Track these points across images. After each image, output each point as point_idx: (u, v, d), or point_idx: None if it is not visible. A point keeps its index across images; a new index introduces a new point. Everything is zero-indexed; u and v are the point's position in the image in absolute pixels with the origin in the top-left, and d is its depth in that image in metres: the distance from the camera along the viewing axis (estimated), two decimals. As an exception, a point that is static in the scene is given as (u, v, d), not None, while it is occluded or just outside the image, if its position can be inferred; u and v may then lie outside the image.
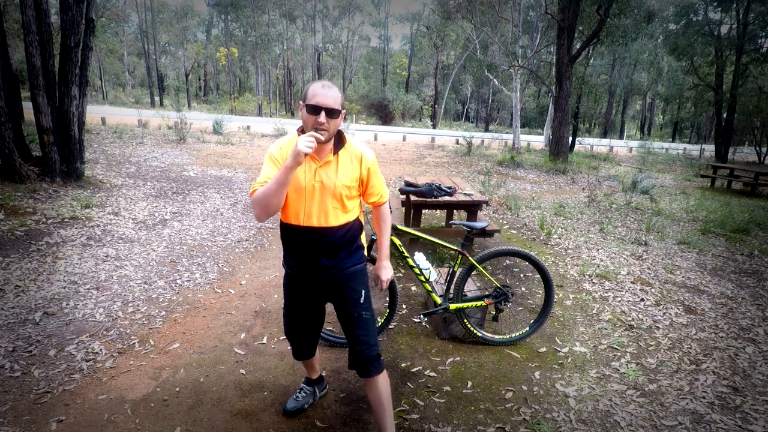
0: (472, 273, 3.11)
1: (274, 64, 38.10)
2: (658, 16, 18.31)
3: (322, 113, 1.64)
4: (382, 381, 1.89)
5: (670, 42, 18.96)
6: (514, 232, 5.96)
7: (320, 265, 1.84)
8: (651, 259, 5.09)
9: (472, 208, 4.60)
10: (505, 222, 6.42)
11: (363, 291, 1.94)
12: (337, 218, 1.80)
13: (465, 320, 2.95)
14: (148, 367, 2.58)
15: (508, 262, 4.67)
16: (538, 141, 23.62)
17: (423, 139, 20.13)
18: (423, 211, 5.83)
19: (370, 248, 2.77)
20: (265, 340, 2.95)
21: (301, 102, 1.71)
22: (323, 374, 2.45)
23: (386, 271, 2.08)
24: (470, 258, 2.86)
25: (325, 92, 1.66)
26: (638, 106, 46.37)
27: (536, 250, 5.20)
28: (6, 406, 2.19)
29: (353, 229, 1.89)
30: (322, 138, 1.64)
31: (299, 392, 2.31)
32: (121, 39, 40.19)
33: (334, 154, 1.78)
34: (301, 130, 1.76)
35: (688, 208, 8.33)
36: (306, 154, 1.56)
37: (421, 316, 3.33)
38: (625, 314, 3.65)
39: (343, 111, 1.74)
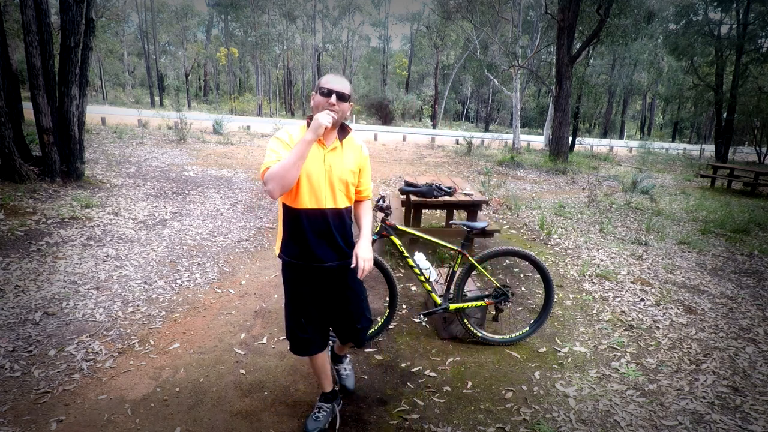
0: (472, 273, 3.11)
1: (274, 64, 38.10)
2: (658, 16, 18.30)
3: (334, 96, 1.80)
4: None
5: (670, 42, 18.96)
6: (514, 232, 5.96)
7: (340, 246, 1.94)
8: (651, 259, 5.09)
9: (472, 208, 4.60)
10: (505, 222, 6.42)
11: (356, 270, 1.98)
12: (344, 201, 1.94)
13: (465, 320, 2.95)
14: (148, 367, 2.58)
15: (508, 262, 4.67)
16: (538, 141, 23.62)
17: (423, 139, 20.14)
18: (423, 211, 5.83)
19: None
20: (265, 340, 2.95)
21: (313, 92, 1.86)
22: (336, 388, 2.33)
23: (367, 251, 1.96)
24: (470, 258, 2.86)
25: (337, 79, 1.84)
26: (638, 106, 46.36)
27: (536, 250, 5.20)
28: (6, 406, 2.19)
29: (350, 213, 2.04)
30: (335, 117, 1.78)
31: (318, 411, 2.16)
32: (121, 39, 40.18)
33: (339, 141, 1.92)
34: (310, 120, 1.86)
35: (688, 208, 8.33)
36: (326, 128, 1.73)
37: (421, 316, 3.33)
38: (625, 314, 3.65)
39: (351, 102, 1.90)
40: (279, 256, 1.99)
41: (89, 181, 6.56)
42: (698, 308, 3.85)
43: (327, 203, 1.87)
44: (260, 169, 1.79)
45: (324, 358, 2.14)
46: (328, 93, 1.80)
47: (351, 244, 2.00)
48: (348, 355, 2.54)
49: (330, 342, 2.35)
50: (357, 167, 1.96)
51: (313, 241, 1.89)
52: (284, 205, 1.90)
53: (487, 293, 3.05)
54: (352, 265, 1.93)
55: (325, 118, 1.72)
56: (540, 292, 4.00)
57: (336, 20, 40.87)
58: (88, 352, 2.67)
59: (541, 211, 7.17)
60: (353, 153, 1.96)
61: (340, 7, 39.19)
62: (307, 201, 1.85)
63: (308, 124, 1.86)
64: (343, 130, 1.95)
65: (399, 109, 34.37)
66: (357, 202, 2.08)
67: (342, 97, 1.81)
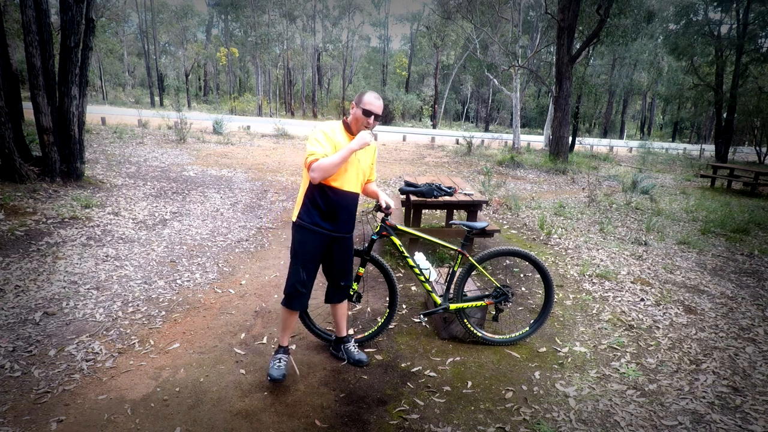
0: (472, 273, 3.11)
1: (274, 64, 38.08)
2: (658, 16, 18.30)
3: (372, 117, 2.33)
4: (345, 307, 2.76)
5: (670, 42, 18.94)
6: (514, 232, 5.96)
7: (348, 221, 2.46)
8: (651, 259, 5.09)
9: (472, 208, 4.60)
10: (505, 222, 6.42)
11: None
12: (359, 188, 2.50)
13: (465, 320, 2.95)
14: (148, 367, 2.58)
15: (508, 262, 4.67)
16: (538, 141, 23.61)
17: (423, 139, 20.13)
18: (423, 211, 5.83)
19: (370, 247, 2.78)
20: (265, 340, 2.95)
21: (354, 103, 2.37)
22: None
23: (390, 199, 2.68)
24: (470, 258, 2.86)
25: (378, 103, 2.35)
26: (638, 106, 46.35)
27: (536, 250, 5.20)
28: (6, 406, 2.19)
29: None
30: (372, 132, 2.36)
31: (279, 361, 2.52)
32: (121, 39, 40.17)
33: None
34: (345, 122, 2.41)
35: (688, 208, 8.33)
36: (368, 143, 2.29)
37: (421, 316, 3.33)
38: (625, 314, 3.65)
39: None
40: (296, 221, 2.41)
41: (89, 181, 6.56)
42: (698, 308, 3.85)
43: (353, 188, 2.41)
44: (308, 155, 2.25)
45: (296, 317, 2.58)
46: (368, 114, 2.30)
47: (354, 223, 2.54)
48: (351, 338, 2.82)
49: (331, 336, 2.89)
50: (371, 162, 2.59)
51: (338, 215, 2.39)
52: (320, 184, 2.32)
53: (487, 293, 3.05)
54: (384, 207, 2.62)
55: (369, 138, 2.27)
56: (540, 292, 4.00)
57: (336, 20, 40.84)
58: (88, 352, 2.67)
59: (541, 211, 7.17)
60: (371, 152, 2.55)
61: (340, 7, 39.16)
62: (341, 184, 2.35)
63: (344, 124, 2.40)
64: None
65: (399, 109, 34.36)
66: (369, 182, 2.67)
67: (377, 117, 2.34)
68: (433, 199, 4.43)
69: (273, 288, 3.78)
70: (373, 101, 2.31)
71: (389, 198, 2.64)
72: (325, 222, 2.38)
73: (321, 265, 2.56)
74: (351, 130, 2.38)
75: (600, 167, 14.15)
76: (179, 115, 13.56)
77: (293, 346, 2.88)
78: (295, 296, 2.44)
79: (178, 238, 4.82)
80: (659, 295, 4.08)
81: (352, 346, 2.76)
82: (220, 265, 4.23)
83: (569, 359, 2.92)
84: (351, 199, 2.42)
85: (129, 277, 3.76)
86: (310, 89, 40.73)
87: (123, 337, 2.88)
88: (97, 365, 2.56)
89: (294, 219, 2.42)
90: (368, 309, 3.51)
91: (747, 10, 16.65)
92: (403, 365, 2.74)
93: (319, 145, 2.26)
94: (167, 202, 6.20)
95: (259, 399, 2.36)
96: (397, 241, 2.80)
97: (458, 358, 2.84)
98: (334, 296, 2.66)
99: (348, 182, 2.37)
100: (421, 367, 2.72)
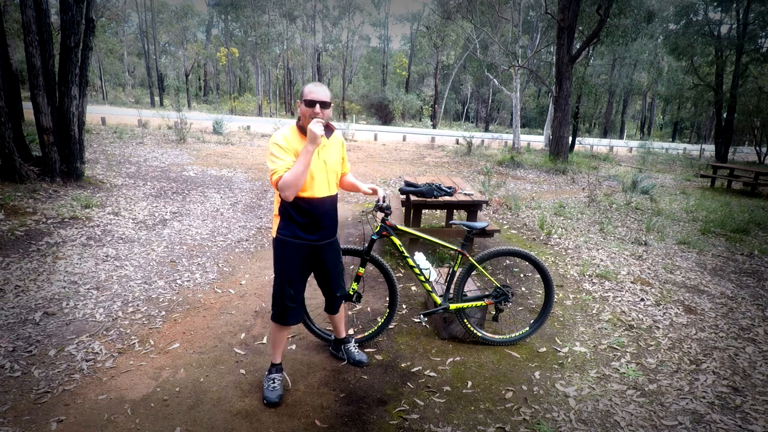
0: (472, 273, 3.11)
1: (274, 64, 38.08)
2: (658, 16, 18.30)
3: (317, 105, 2.10)
4: (342, 310, 2.70)
5: (670, 42, 18.94)
6: (514, 232, 5.95)
7: (330, 227, 2.32)
8: (651, 259, 5.09)
9: (472, 208, 4.60)
10: (505, 222, 6.42)
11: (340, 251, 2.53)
12: (335, 188, 2.35)
13: (465, 320, 2.95)
14: (148, 367, 2.58)
15: (508, 262, 4.67)
16: (538, 141, 23.61)
17: (423, 139, 20.12)
18: (423, 211, 5.83)
19: (370, 247, 2.78)
20: (265, 340, 2.95)
21: (299, 100, 2.17)
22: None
23: (377, 188, 2.63)
24: (470, 258, 2.86)
25: (318, 90, 2.13)
26: (638, 106, 46.34)
27: (536, 250, 5.20)
28: (6, 406, 2.19)
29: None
30: (323, 123, 2.10)
31: (273, 382, 2.38)
32: (121, 39, 40.18)
33: (327, 138, 2.26)
34: (298, 125, 2.19)
35: (688, 208, 8.33)
36: (321, 135, 2.03)
37: (421, 316, 3.33)
38: (625, 314, 3.65)
39: (331, 104, 2.19)
40: (277, 236, 2.27)
41: (89, 181, 6.56)
42: (698, 308, 3.85)
43: (326, 192, 2.24)
44: (270, 175, 2.10)
45: (288, 332, 2.49)
46: (311, 104, 2.10)
47: (336, 225, 2.40)
48: (352, 338, 2.81)
49: (330, 336, 2.86)
50: (341, 157, 2.40)
51: (320, 223, 2.25)
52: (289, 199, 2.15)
53: (487, 293, 3.05)
54: (376, 199, 2.59)
55: (318, 129, 2.03)
56: (540, 292, 4.00)
57: (336, 20, 40.84)
58: (88, 352, 2.67)
59: (541, 211, 7.17)
60: (337, 146, 2.35)
61: (340, 7, 39.16)
62: (312, 193, 2.19)
63: (298, 128, 2.18)
64: (328, 129, 2.24)
65: (399, 109, 34.34)
66: (344, 175, 2.51)
67: (324, 105, 2.12)
68: (433, 199, 4.43)
69: (273, 288, 3.77)
70: (312, 89, 2.12)
71: (376, 185, 2.62)
72: (307, 233, 2.24)
73: (314, 276, 2.47)
74: (305, 131, 2.14)
75: (600, 167, 14.15)
76: (179, 115, 13.56)
77: (293, 346, 2.88)
78: (287, 311, 2.30)
79: (178, 238, 4.82)
80: (659, 295, 4.08)
81: (352, 347, 2.75)
82: (220, 265, 4.23)
83: (569, 359, 2.92)
84: (329, 204, 2.28)
85: (129, 277, 3.76)
86: (309, 90, 40.65)
87: (123, 337, 2.88)
88: (97, 365, 2.56)
89: (274, 234, 2.28)
90: (368, 309, 3.51)
91: (747, 10, 16.65)
92: (403, 365, 2.74)
93: (278, 159, 2.09)
94: (167, 202, 6.20)
95: (259, 399, 2.36)
96: (397, 241, 2.80)
97: (458, 358, 2.84)
98: (331, 308, 2.61)
99: (320, 189, 2.21)
100: (421, 367, 2.72)
